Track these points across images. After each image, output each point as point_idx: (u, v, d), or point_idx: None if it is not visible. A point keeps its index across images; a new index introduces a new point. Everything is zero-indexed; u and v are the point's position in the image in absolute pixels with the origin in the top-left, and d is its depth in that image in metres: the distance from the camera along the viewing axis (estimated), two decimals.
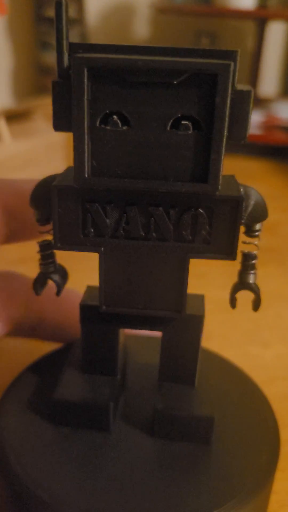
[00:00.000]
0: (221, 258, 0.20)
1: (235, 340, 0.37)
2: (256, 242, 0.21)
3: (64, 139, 0.72)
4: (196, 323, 0.22)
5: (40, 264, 0.22)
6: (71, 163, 0.19)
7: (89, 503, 0.19)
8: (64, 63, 0.17)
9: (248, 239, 0.20)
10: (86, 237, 0.20)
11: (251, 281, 0.22)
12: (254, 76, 1.09)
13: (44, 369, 0.26)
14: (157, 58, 0.17)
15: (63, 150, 0.72)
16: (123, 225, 0.20)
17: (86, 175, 0.18)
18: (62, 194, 0.19)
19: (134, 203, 0.19)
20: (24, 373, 0.26)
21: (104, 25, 1.20)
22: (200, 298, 0.23)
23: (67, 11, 0.17)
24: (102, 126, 0.18)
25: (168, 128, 0.18)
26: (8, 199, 0.24)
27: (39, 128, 0.74)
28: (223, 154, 0.18)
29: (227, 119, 0.17)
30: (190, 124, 0.18)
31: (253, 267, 0.21)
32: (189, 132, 0.18)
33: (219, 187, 0.18)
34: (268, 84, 1.21)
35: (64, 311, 0.28)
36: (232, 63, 0.16)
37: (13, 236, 0.25)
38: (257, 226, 0.20)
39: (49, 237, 0.21)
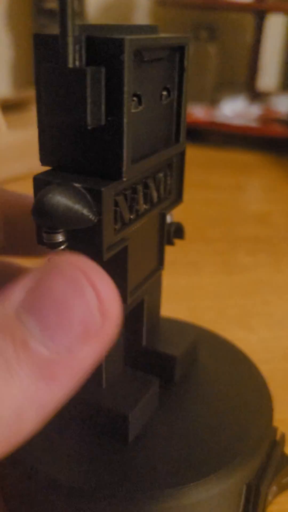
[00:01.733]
0: (175, 204, 0.22)
1: (222, 325, 0.38)
2: None
3: None
4: (160, 273, 0.23)
5: None
6: None
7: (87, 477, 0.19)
8: (79, 48, 0.15)
9: None
10: (116, 234, 0.18)
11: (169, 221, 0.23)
12: (253, 69, 1.09)
13: None
14: (157, 36, 0.18)
15: None
16: (135, 207, 0.19)
17: (125, 166, 0.17)
18: (109, 197, 0.17)
19: (138, 182, 0.19)
20: None
21: (104, 17, 1.20)
22: None
23: None
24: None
25: (159, 100, 0.19)
26: (7, 209, 0.23)
27: (35, 118, 0.74)
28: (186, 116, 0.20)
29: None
30: (167, 94, 0.19)
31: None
32: (167, 101, 0.20)
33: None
34: (267, 77, 1.21)
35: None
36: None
37: (10, 248, 0.24)
38: None
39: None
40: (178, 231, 0.24)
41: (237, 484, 0.20)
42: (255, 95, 1.08)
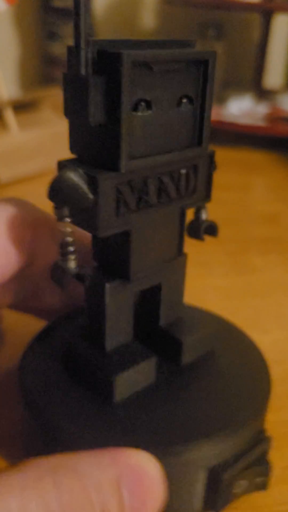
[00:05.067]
0: (202, 202, 0.25)
1: None
2: None
3: None
4: (185, 260, 0.26)
5: (66, 262, 0.22)
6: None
7: (100, 430, 0.22)
8: (87, 59, 0.19)
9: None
10: (119, 218, 0.21)
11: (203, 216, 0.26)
12: (259, 68, 1.09)
13: (64, 325, 0.29)
14: (170, 51, 0.21)
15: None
16: (144, 197, 0.22)
17: (124, 161, 0.20)
18: (106, 184, 0.20)
19: (150, 176, 0.22)
20: (47, 327, 0.29)
21: (110, 16, 1.20)
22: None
23: (86, 6, 0.18)
24: (134, 112, 0.20)
25: (175, 107, 0.22)
26: (34, 221, 0.26)
27: (46, 118, 0.75)
28: (210, 122, 0.22)
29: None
30: (187, 101, 0.22)
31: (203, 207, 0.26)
32: (188, 107, 0.22)
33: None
34: (273, 76, 1.21)
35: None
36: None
37: (36, 255, 0.26)
38: None
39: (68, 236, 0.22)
40: (210, 229, 0.26)
41: (196, 463, 0.22)
42: (262, 94, 1.08)
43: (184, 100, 0.22)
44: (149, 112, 0.21)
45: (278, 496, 0.25)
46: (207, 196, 0.25)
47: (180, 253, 0.25)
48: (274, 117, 0.96)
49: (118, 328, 0.24)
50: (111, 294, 0.23)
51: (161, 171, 0.22)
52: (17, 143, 0.67)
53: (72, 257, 0.22)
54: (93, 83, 0.19)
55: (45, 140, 0.70)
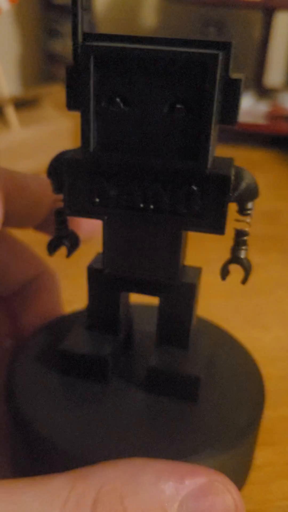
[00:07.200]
0: (211, 232, 0.21)
1: (236, 323, 0.38)
2: (248, 220, 0.22)
3: (72, 126, 0.73)
4: (189, 291, 0.23)
5: (55, 229, 0.24)
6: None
7: (85, 442, 0.21)
8: (78, 51, 0.19)
9: (240, 217, 0.22)
10: (92, 205, 0.22)
11: (242, 256, 0.23)
12: (260, 66, 1.09)
13: (55, 329, 0.28)
14: (154, 47, 0.18)
15: (70, 137, 0.73)
16: (125, 196, 0.21)
17: (91, 149, 0.20)
18: (71, 167, 0.21)
19: (135, 177, 0.21)
20: (36, 332, 0.28)
21: (112, 13, 1.20)
22: (197, 270, 0.24)
23: (82, 5, 0.18)
24: (106, 106, 0.20)
25: (165, 110, 0.19)
26: (6, 184, 0.25)
27: (47, 115, 0.75)
28: (211, 135, 0.19)
29: (215, 104, 0.19)
30: (183, 108, 0.19)
31: (244, 243, 0.22)
32: (183, 115, 0.19)
33: (208, 165, 0.19)
34: (275, 74, 1.21)
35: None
36: (221, 53, 0.18)
37: (9, 220, 0.26)
38: (249, 205, 0.21)
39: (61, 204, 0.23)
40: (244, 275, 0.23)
41: None
42: (263, 92, 1.08)
43: (179, 106, 0.19)
44: (126, 109, 0.20)
45: (279, 492, 0.25)
46: (217, 228, 0.21)
47: (172, 277, 0.23)
48: (275, 115, 0.97)
49: (99, 318, 0.25)
50: (91, 276, 0.24)
51: (150, 178, 0.21)
52: (18, 140, 0.67)
53: (63, 225, 0.24)
54: (69, 71, 0.20)
55: (46, 137, 0.70)
